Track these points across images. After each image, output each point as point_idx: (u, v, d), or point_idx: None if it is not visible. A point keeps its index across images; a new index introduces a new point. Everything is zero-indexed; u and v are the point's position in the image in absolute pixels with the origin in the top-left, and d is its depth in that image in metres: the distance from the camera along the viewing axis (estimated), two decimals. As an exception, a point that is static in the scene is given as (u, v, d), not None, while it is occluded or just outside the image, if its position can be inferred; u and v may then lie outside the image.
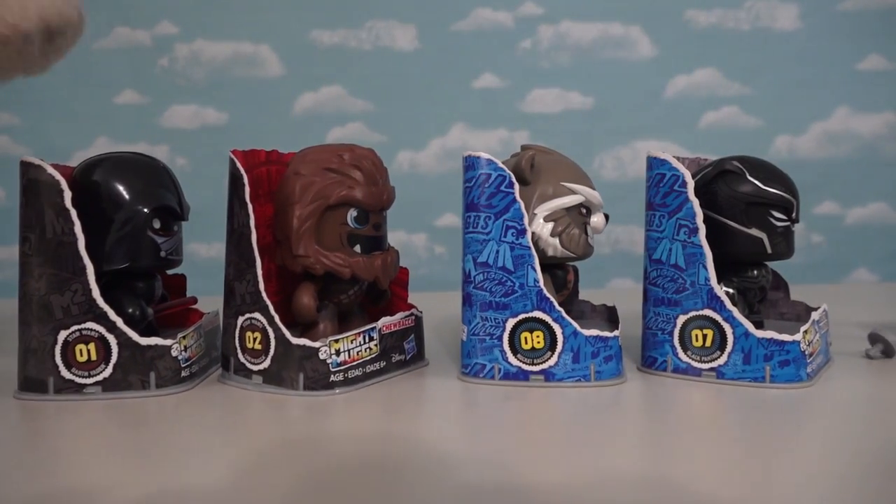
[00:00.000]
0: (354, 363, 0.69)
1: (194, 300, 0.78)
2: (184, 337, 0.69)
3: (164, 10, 1.42)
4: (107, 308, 0.66)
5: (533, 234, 0.70)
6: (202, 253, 1.40)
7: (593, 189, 0.72)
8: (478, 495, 0.46)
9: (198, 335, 0.72)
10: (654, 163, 0.72)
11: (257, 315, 0.68)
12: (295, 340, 0.67)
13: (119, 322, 0.66)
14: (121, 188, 0.68)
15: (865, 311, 0.90)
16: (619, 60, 1.45)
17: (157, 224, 0.70)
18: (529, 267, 0.69)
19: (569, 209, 0.71)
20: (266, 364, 0.68)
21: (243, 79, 1.44)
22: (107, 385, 0.66)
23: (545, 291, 0.69)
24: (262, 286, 0.67)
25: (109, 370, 0.66)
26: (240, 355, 0.70)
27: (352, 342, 0.69)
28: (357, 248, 0.70)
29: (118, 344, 0.66)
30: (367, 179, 0.70)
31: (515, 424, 0.62)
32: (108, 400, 0.66)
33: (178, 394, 0.68)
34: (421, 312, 0.78)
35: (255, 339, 0.68)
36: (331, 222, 0.69)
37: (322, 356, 0.67)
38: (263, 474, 0.49)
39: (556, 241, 0.70)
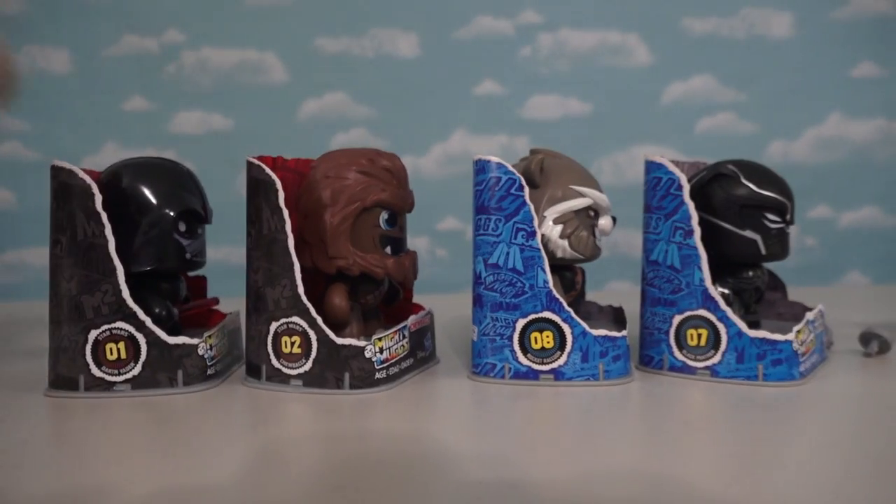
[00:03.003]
0: (394, 360, 0.71)
1: (216, 301, 0.80)
2: (209, 336, 0.71)
3: (172, 18, 1.44)
4: (136, 308, 0.67)
5: (542, 236, 0.71)
6: (208, 255, 1.41)
7: (601, 192, 0.74)
8: (489, 493, 0.47)
9: (222, 334, 0.74)
10: (651, 166, 0.74)
11: (295, 319, 0.68)
12: (340, 341, 0.68)
13: (148, 321, 0.67)
14: (147, 192, 0.70)
15: (859, 312, 0.92)
16: (616, 67, 1.47)
17: (182, 227, 0.71)
18: (539, 268, 0.70)
19: (577, 212, 0.72)
20: (307, 367, 0.69)
21: (249, 85, 1.46)
22: (136, 383, 0.68)
23: (554, 292, 0.70)
24: (301, 289, 0.68)
25: (139, 368, 0.68)
26: (273, 361, 0.70)
27: (391, 340, 0.71)
28: (388, 250, 0.72)
29: (147, 343, 0.68)
30: (397, 182, 0.72)
31: (526, 423, 0.63)
32: (137, 397, 0.67)
33: (204, 391, 0.70)
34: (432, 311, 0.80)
35: (292, 343, 0.69)
36: (365, 224, 0.71)
37: (367, 354, 0.68)
38: (282, 471, 0.51)
39: (565, 242, 0.72)
